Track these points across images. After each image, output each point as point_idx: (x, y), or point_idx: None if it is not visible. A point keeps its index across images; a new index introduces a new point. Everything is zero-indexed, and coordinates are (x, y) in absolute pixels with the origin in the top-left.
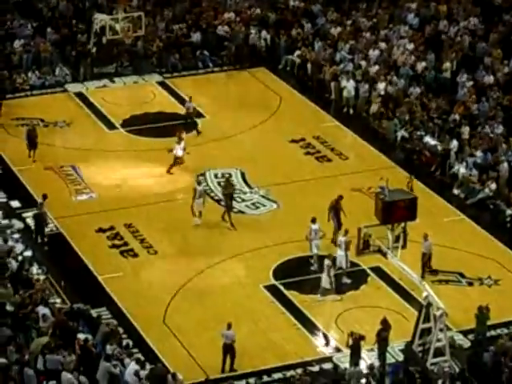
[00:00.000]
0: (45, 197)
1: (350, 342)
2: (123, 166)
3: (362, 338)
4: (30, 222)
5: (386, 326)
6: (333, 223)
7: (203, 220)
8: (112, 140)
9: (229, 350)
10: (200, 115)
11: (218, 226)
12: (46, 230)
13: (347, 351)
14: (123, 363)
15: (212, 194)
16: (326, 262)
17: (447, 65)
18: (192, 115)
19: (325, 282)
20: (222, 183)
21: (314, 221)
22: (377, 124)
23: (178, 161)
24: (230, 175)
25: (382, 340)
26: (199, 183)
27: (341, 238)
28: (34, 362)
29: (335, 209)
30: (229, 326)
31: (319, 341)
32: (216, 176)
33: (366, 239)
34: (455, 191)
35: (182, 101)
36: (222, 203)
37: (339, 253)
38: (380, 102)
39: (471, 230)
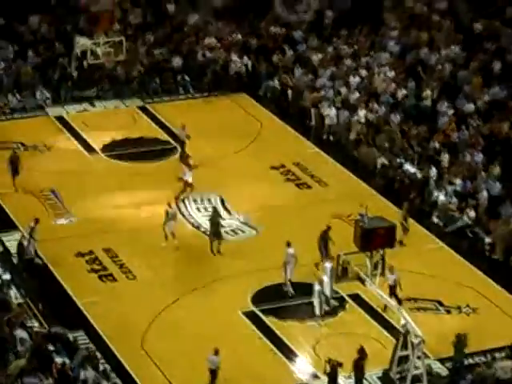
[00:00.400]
0: (37, 221)
1: (328, 368)
2: (103, 191)
3: (339, 364)
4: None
5: (362, 354)
6: (320, 253)
7: (182, 245)
8: (92, 164)
9: (212, 375)
10: (181, 141)
11: (197, 251)
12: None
13: (325, 378)
14: None
15: (192, 221)
16: (317, 287)
17: (428, 92)
18: (184, 143)
19: (317, 306)
20: (209, 212)
21: (289, 245)
22: (356, 151)
23: (188, 187)
24: (210, 200)
25: (359, 369)
26: (170, 205)
27: (327, 265)
28: None
29: (324, 239)
30: (215, 352)
31: (297, 367)
32: (195, 201)
33: (345, 266)
34: (434, 219)
35: (162, 126)
36: (207, 232)
37: (324, 279)
38: (360, 129)
39: (450, 258)
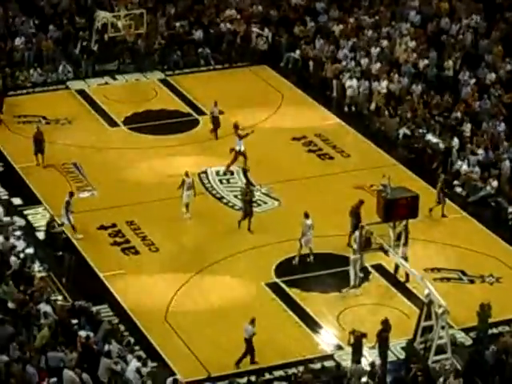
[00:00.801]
0: (71, 194)
1: (352, 339)
2: (125, 163)
3: (363, 335)
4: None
5: (386, 326)
6: (350, 226)
7: (205, 217)
8: (114, 137)
9: (247, 344)
10: (202, 113)
11: (219, 223)
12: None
13: (349, 349)
14: (126, 360)
15: (214, 192)
16: (352, 256)
17: (449, 63)
18: (217, 119)
19: (352, 276)
20: (241, 190)
21: (307, 216)
22: (378, 121)
23: (240, 155)
24: (232, 173)
25: (383, 341)
26: (187, 175)
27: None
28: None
29: (356, 213)
30: (251, 321)
31: (321, 339)
32: (218, 173)
33: (368, 237)
34: (457, 189)
35: (183, 98)
36: (238, 208)
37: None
38: (380, 99)
39: (473, 228)
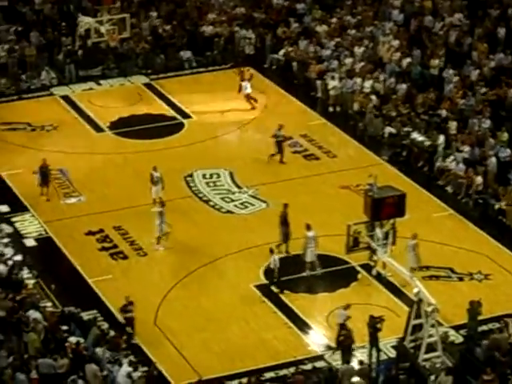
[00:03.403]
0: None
1: (341, 338)
2: (111, 168)
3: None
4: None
5: (375, 324)
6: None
7: (192, 221)
8: (100, 142)
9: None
10: (188, 116)
11: (207, 226)
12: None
13: (338, 349)
14: (120, 364)
15: (200, 195)
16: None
17: (435, 62)
18: (280, 144)
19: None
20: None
21: (308, 227)
22: (363, 121)
23: (250, 97)
24: (218, 175)
25: (373, 339)
26: (155, 170)
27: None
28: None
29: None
30: (346, 307)
31: (311, 339)
32: (204, 176)
33: (356, 236)
34: (446, 188)
35: (168, 102)
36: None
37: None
38: (364, 98)
39: (460, 225)
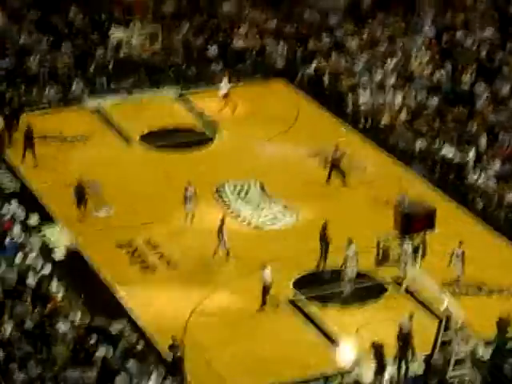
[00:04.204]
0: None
1: (373, 352)
2: (141, 181)
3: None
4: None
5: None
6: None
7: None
8: (130, 155)
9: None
10: (218, 129)
11: (237, 239)
12: None
13: (368, 363)
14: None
15: (232, 209)
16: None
17: (466, 77)
18: (338, 163)
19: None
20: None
21: (350, 242)
22: (394, 135)
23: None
24: (249, 186)
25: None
26: (187, 188)
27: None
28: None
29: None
30: (410, 317)
31: (340, 354)
32: (235, 188)
33: (385, 250)
34: (477, 201)
35: (199, 115)
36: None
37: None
38: (394, 112)
39: (491, 240)
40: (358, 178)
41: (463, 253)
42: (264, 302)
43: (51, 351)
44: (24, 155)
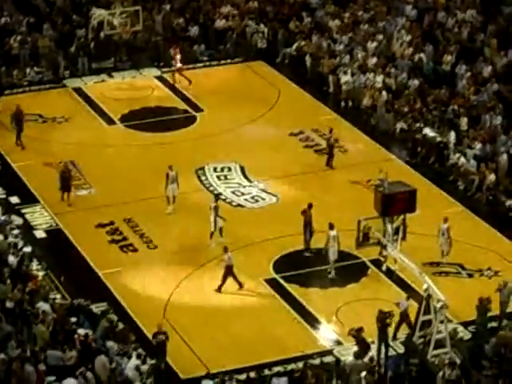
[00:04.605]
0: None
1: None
2: (122, 161)
3: (360, 329)
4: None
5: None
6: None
7: (203, 214)
8: (111, 135)
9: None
10: (200, 110)
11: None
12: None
13: (348, 344)
14: (129, 357)
15: (211, 188)
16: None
17: (448, 58)
18: (332, 147)
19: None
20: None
21: (331, 227)
22: (374, 116)
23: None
24: (230, 169)
25: (381, 333)
26: (170, 169)
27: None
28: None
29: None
30: (407, 298)
31: (320, 334)
32: (215, 170)
33: (366, 232)
34: (458, 183)
35: (180, 95)
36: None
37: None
38: (375, 93)
39: (471, 222)
40: (339, 161)
41: (448, 228)
42: (223, 283)
43: (32, 331)
44: (19, 138)
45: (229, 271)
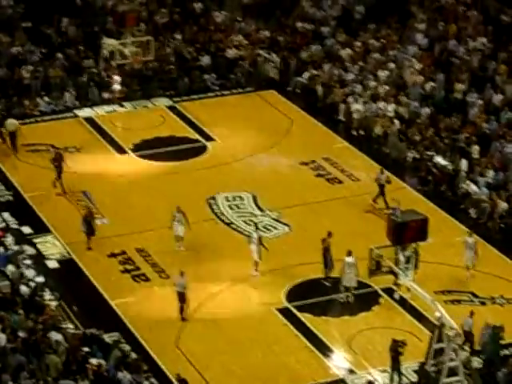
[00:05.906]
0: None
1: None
2: (134, 191)
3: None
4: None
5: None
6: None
7: (215, 243)
8: (123, 164)
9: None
10: (212, 139)
11: (229, 248)
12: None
13: (360, 373)
14: None
15: (223, 218)
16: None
17: (459, 86)
18: (383, 188)
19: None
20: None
21: (349, 254)
22: (386, 145)
23: None
24: (242, 198)
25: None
26: (177, 209)
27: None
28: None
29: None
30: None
31: (333, 363)
32: (227, 199)
33: (378, 260)
34: (470, 211)
35: (191, 125)
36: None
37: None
38: (386, 122)
39: (483, 250)
40: (351, 189)
41: (476, 242)
42: (181, 311)
43: (44, 361)
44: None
45: (181, 298)
